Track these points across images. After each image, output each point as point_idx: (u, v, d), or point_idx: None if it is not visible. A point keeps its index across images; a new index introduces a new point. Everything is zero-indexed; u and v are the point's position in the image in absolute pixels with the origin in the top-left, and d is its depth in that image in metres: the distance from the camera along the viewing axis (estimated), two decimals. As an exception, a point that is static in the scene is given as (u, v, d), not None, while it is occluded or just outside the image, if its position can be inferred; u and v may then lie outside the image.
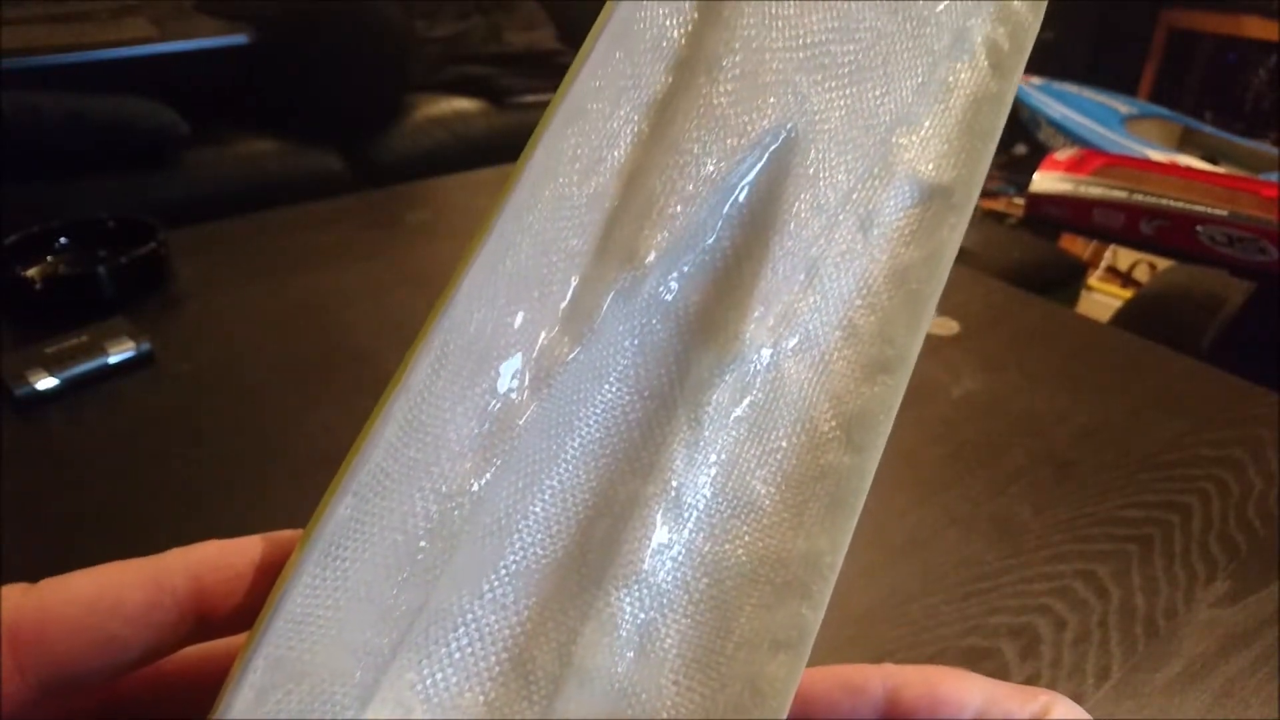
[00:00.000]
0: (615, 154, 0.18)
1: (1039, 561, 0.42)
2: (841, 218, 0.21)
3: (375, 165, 1.59)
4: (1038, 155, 1.19)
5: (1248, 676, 0.36)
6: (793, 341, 0.20)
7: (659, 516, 0.18)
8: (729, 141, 0.19)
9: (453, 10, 1.90)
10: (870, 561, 0.42)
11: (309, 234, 0.80)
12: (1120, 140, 1.59)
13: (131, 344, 0.57)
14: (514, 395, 0.17)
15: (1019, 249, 1.44)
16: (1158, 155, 1.50)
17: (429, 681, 0.16)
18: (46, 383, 0.54)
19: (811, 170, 0.20)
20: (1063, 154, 1.02)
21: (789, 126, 0.19)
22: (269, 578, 0.16)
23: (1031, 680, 0.36)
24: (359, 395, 0.55)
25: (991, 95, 0.23)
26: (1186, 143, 1.76)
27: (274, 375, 0.58)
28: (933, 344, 0.60)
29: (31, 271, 0.67)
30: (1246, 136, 1.91)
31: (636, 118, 0.18)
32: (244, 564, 0.17)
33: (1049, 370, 0.58)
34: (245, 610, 0.17)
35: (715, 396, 0.19)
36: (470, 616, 0.17)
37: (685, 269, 0.19)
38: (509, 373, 0.17)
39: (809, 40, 0.20)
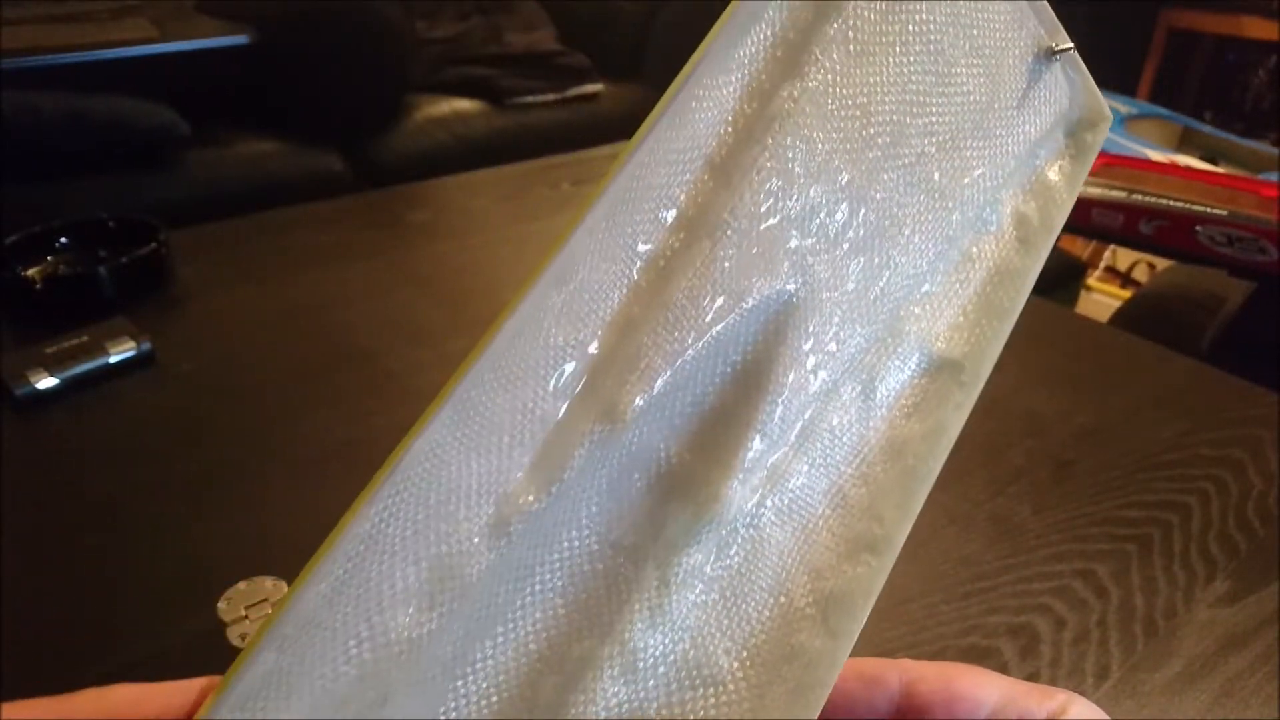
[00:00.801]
0: (607, 305, 0.18)
1: (1038, 561, 0.42)
2: (842, 382, 0.20)
3: (375, 165, 1.59)
4: (1037, 155, 1.19)
5: (1247, 676, 0.36)
6: (777, 505, 0.19)
7: (612, 681, 0.17)
8: (724, 302, 0.18)
9: (453, 11, 1.90)
10: (870, 561, 0.42)
11: (309, 234, 0.80)
12: (1120, 140, 1.59)
13: (132, 344, 0.58)
14: (469, 543, 0.16)
15: (1019, 249, 1.44)
16: (1157, 155, 1.50)
17: None
18: (47, 383, 0.54)
19: (811, 334, 0.19)
20: (1062, 154, 1.02)
21: (790, 291, 0.19)
22: None
23: (1030, 679, 0.36)
24: (359, 395, 0.55)
25: (1014, 271, 0.22)
26: (1186, 143, 1.76)
27: (274, 375, 0.58)
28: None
29: (32, 271, 0.67)
30: (1246, 136, 1.91)
31: (634, 271, 0.18)
32: (158, 711, 0.15)
33: (1049, 370, 0.58)
34: None
35: (688, 557, 0.18)
36: None
37: (668, 423, 0.18)
38: (466, 520, 0.16)
39: (816, 209, 0.19)
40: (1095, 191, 0.95)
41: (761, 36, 0.19)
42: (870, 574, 0.18)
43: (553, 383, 0.17)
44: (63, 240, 0.71)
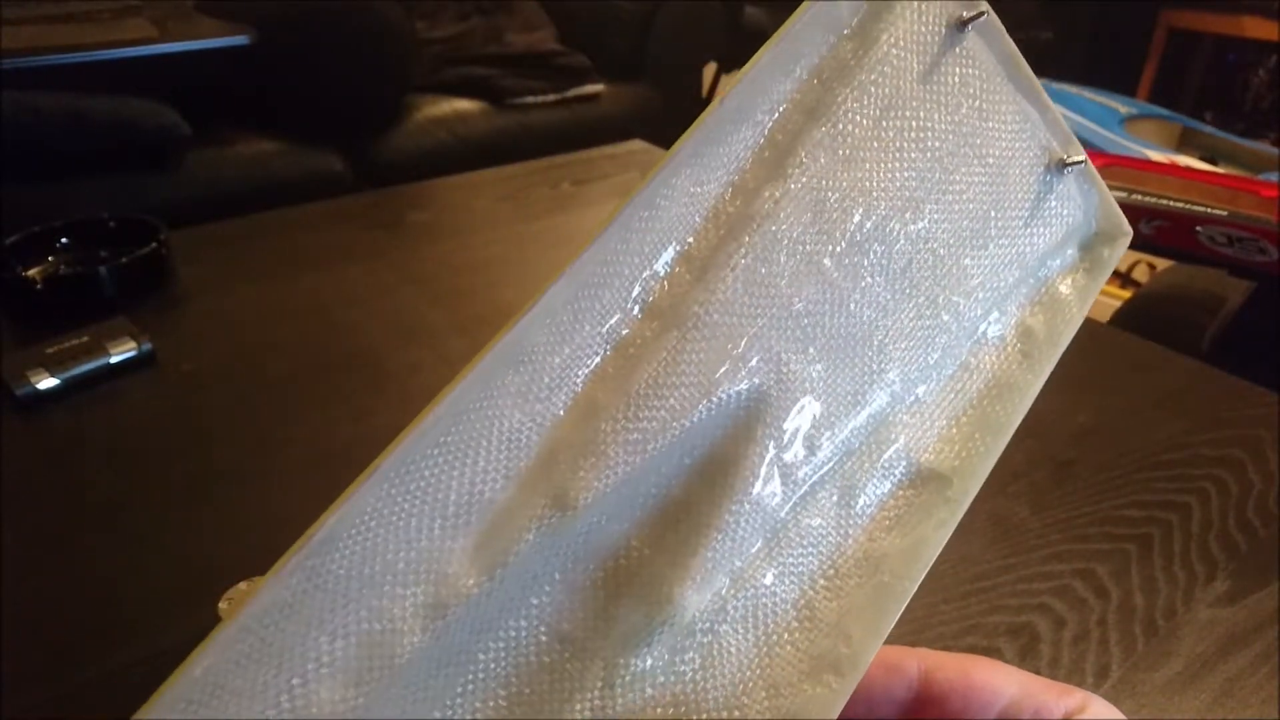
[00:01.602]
0: (568, 388, 0.17)
1: (1038, 561, 0.42)
2: (820, 486, 0.19)
3: (375, 165, 1.59)
4: (1038, 155, 1.19)
5: (1247, 676, 0.36)
6: (739, 611, 0.18)
7: None
8: (691, 395, 0.18)
9: (453, 11, 1.90)
10: (870, 561, 0.42)
11: (309, 234, 0.80)
12: (1119, 140, 1.59)
13: (132, 344, 0.58)
14: (402, 622, 0.15)
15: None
16: (1157, 155, 1.50)
17: None
18: (47, 383, 0.54)
19: (785, 435, 0.19)
20: (1062, 154, 1.02)
21: (762, 388, 0.18)
22: None
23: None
24: (359, 395, 0.55)
25: (1014, 385, 0.21)
26: (1186, 143, 1.76)
27: (274, 375, 0.58)
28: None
29: (32, 271, 0.67)
30: (1246, 136, 1.91)
31: (599, 356, 0.17)
32: None
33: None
34: None
35: (638, 659, 0.17)
36: None
37: (627, 515, 0.18)
38: (399, 598, 0.15)
39: (797, 309, 0.19)
40: (1095, 191, 0.94)
41: (749, 137, 0.19)
42: (830, 696, 0.17)
43: (504, 463, 0.16)
44: (63, 240, 0.71)
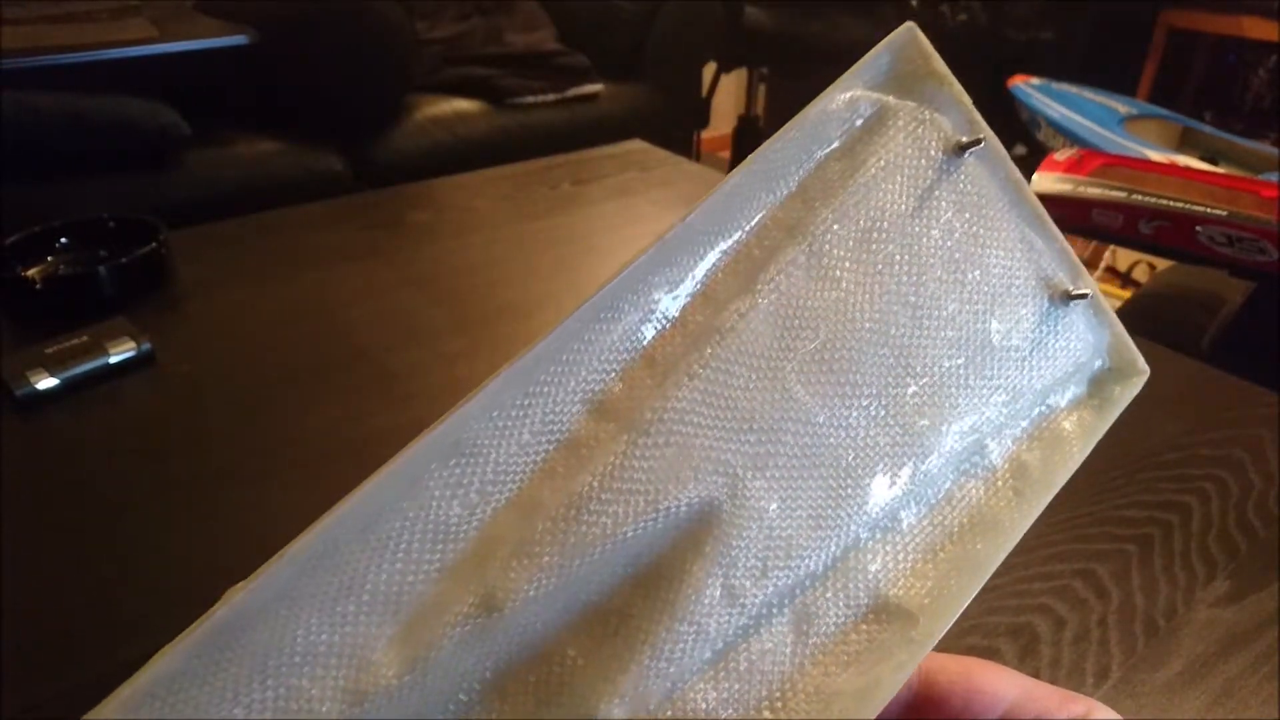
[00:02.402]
0: (509, 483, 0.17)
1: (1038, 561, 0.42)
2: (775, 610, 0.18)
3: (375, 165, 1.59)
4: (1037, 155, 1.19)
5: (1247, 676, 0.36)
6: None
7: None
8: (634, 502, 0.17)
9: (453, 11, 1.90)
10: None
11: (309, 234, 0.80)
12: (1119, 140, 1.59)
13: (132, 344, 0.57)
14: (320, 707, 0.15)
15: (1019, 249, 1.43)
16: (1157, 155, 1.50)
17: None
18: (47, 383, 0.54)
19: (734, 554, 0.18)
20: (1062, 154, 1.02)
21: (715, 502, 0.18)
22: None
23: (1031, 680, 0.36)
24: (359, 395, 0.55)
25: (999, 523, 0.20)
26: (1186, 143, 1.76)
27: (274, 375, 0.58)
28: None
29: (32, 271, 0.67)
30: (1246, 136, 1.91)
31: (544, 454, 0.17)
32: None
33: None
34: None
35: None
36: None
37: (561, 620, 0.17)
38: (318, 682, 0.15)
39: (758, 426, 0.18)
40: (1095, 191, 0.95)
41: (723, 246, 0.19)
42: None
43: (437, 554, 0.16)
44: (63, 240, 0.71)
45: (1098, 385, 0.23)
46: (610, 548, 0.17)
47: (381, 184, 0.94)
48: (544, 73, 1.80)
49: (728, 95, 2.56)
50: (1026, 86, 1.79)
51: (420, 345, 0.61)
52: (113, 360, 0.57)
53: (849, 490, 0.19)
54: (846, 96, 0.20)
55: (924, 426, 0.20)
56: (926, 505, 0.20)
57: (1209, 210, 0.88)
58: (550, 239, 0.78)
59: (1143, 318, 1.10)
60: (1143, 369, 0.23)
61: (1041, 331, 0.22)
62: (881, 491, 0.19)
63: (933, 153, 0.20)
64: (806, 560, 0.19)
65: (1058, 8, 2.55)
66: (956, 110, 0.21)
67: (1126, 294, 1.83)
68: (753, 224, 0.19)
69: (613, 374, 0.18)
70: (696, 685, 0.17)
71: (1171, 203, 0.90)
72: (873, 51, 0.20)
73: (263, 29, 1.45)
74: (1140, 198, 0.91)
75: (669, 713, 0.17)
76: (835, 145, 0.20)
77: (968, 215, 0.21)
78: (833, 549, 0.19)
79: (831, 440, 0.19)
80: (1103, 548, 0.43)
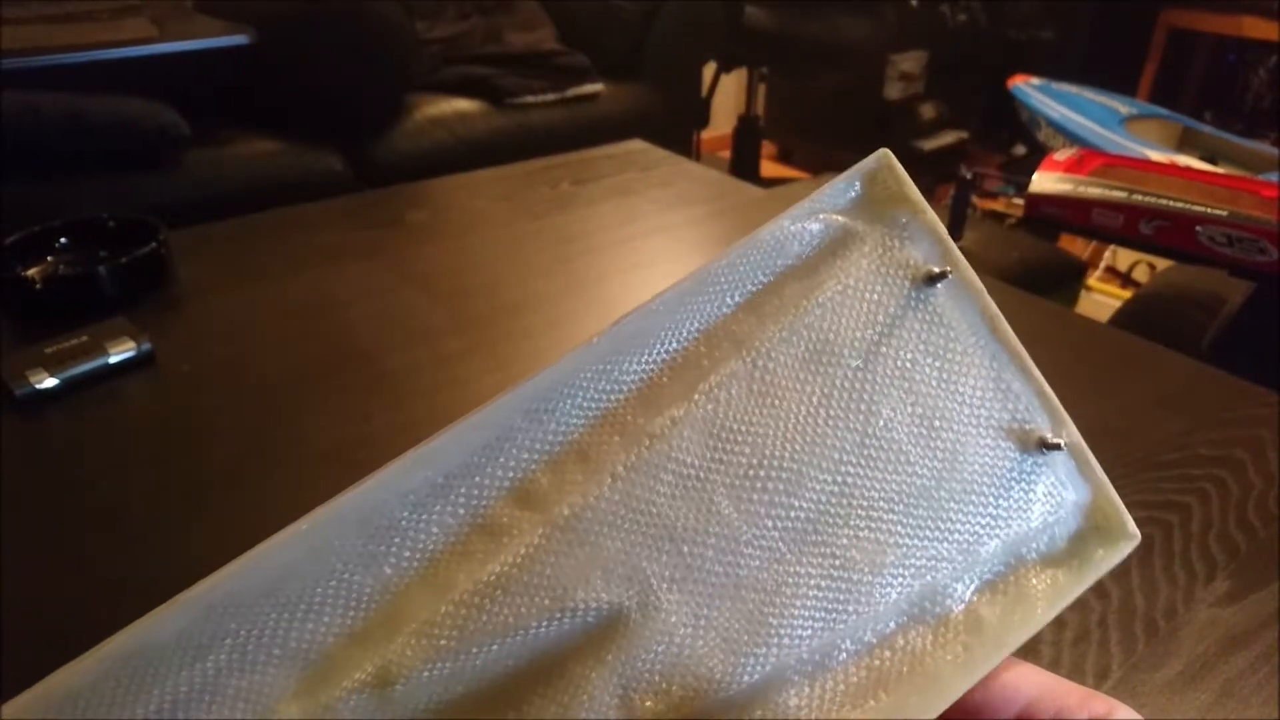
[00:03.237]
0: (418, 557, 0.17)
1: (1039, 561, 0.42)
2: None
3: (375, 165, 1.59)
4: (1037, 156, 1.19)
5: (1247, 676, 0.36)
6: None
7: None
8: (540, 599, 0.17)
9: (453, 11, 1.90)
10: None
11: (309, 234, 0.80)
12: (1120, 140, 1.59)
13: (132, 344, 0.58)
14: None
15: (1019, 249, 1.44)
16: (1157, 155, 1.50)
17: None
18: (47, 383, 0.54)
19: (635, 666, 0.17)
20: (1062, 154, 1.02)
21: (619, 609, 0.17)
22: None
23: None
24: (359, 395, 0.55)
25: (942, 680, 0.19)
26: (1186, 143, 1.76)
27: (274, 375, 0.58)
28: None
29: (32, 271, 0.67)
30: (1246, 136, 1.91)
31: (464, 531, 0.17)
32: None
33: (1049, 370, 0.57)
34: None
35: None
36: None
37: (450, 702, 0.17)
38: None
39: (678, 537, 0.18)
40: (1095, 192, 0.95)
41: (667, 351, 0.18)
42: None
43: (346, 621, 0.16)
44: (63, 240, 0.71)
45: (1078, 543, 0.21)
46: (512, 641, 0.17)
47: (381, 184, 0.94)
48: (544, 73, 1.80)
49: (728, 95, 2.56)
50: (1026, 86, 1.79)
51: (420, 345, 0.61)
52: (113, 360, 0.57)
53: (771, 618, 0.18)
54: (814, 215, 0.19)
55: (862, 563, 0.19)
56: (863, 646, 0.19)
57: (1209, 210, 0.88)
58: (550, 239, 0.78)
59: (1143, 318, 1.10)
60: (1132, 533, 0.22)
61: (1010, 480, 0.20)
62: (808, 624, 0.18)
63: (898, 281, 0.20)
64: (716, 684, 0.18)
65: (1058, 8, 2.55)
66: (928, 240, 0.20)
67: (1126, 294, 1.83)
68: (700, 330, 0.19)
69: (542, 463, 0.17)
70: None
71: (1171, 203, 0.90)
72: (845, 174, 0.20)
73: (263, 29, 1.45)
74: (1140, 198, 0.92)
75: None
76: (795, 263, 0.19)
77: (933, 349, 0.20)
78: (748, 677, 0.18)
79: (755, 564, 0.18)
80: (1103, 548, 0.43)
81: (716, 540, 0.18)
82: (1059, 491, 0.21)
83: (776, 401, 0.19)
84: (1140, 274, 2.00)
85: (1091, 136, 1.61)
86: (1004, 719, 0.18)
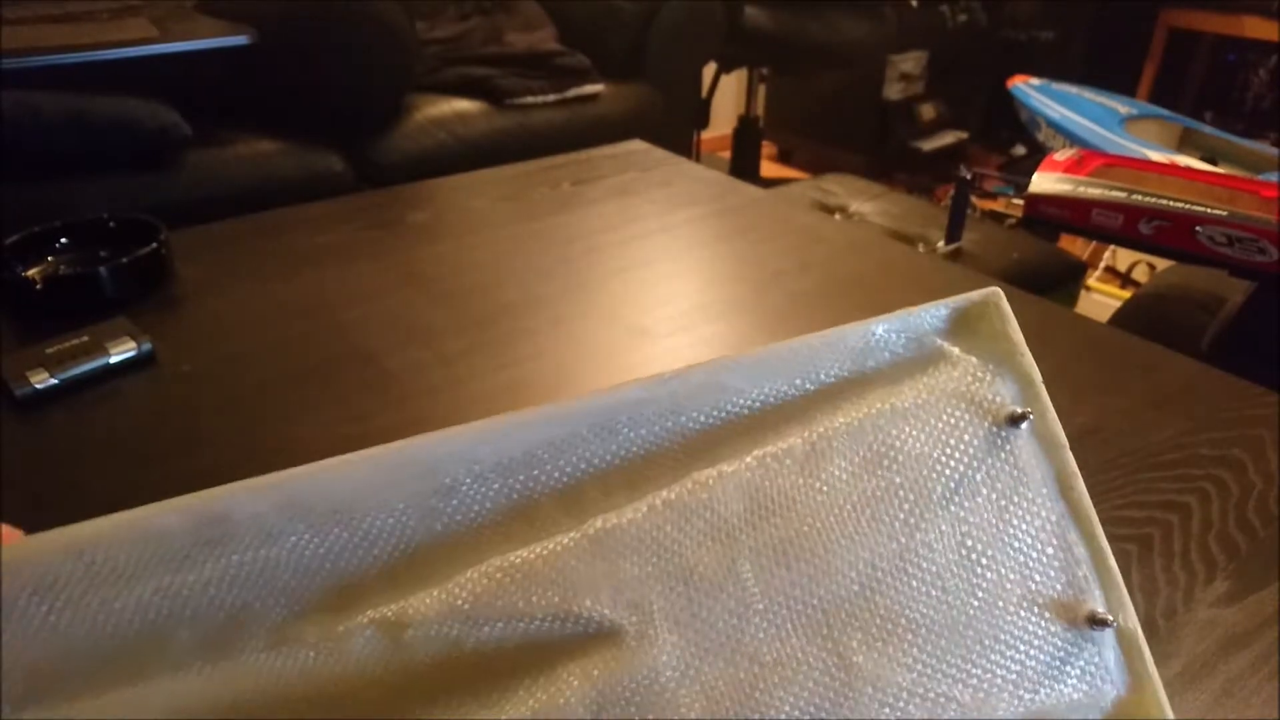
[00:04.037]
0: (465, 520, 0.18)
1: (1039, 561, 0.42)
2: None
3: (375, 165, 1.59)
4: (1037, 156, 1.19)
5: (1248, 676, 0.36)
6: None
7: None
8: (548, 596, 0.17)
9: (453, 11, 1.90)
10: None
11: (309, 234, 0.80)
12: (1120, 141, 1.59)
13: (132, 344, 0.58)
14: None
15: (1018, 249, 1.44)
16: (1157, 155, 1.50)
17: None
18: (47, 383, 0.54)
19: (615, 690, 0.17)
20: (1062, 154, 1.02)
21: (615, 630, 0.17)
22: None
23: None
24: (359, 395, 0.55)
25: None
26: (1186, 143, 1.76)
27: (274, 375, 0.58)
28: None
29: (32, 271, 0.67)
30: (1246, 136, 1.91)
31: (511, 513, 0.18)
32: None
33: (1049, 370, 0.57)
34: None
35: None
36: None
37: (448, 663, 0.17)
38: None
39: (692, 582, 0.18)
40: (1095, 192, 0.95)
41: (730, 409, 0.18)
42: None
43: (385, 556, 0.18)
44: (63, 240, 0.71)
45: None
46: (515, 626, 0.17)
47: (381, 184, 0.94)
48: (544, 73, 1.80)
49: (728, 95, 2.56)
50: (1026, 86, 1.79)
51: (420, 345, 0.61)
52: (113, 360, 0.57)
53: (758, 693, 0.18)
54: (910, 328, 0.20)
55: (867, 671, 0.18)
56: None
57: (1209, 210, 0.88)
58: (550, 239, 0.78)
59: (1143, 318, 1.10)
60: None
61: (1047, 645, 0.20)
62: (793, 712, 0.18)
63: (981, 412, 0.20)
64: None
65: (1058, 8, 2.55)
66: (1020, 382, 0.20)
67: (1126, 294, 1.84)
68: (769, 401, 0.19)
69: (595, 476, 0.18)
70: None
71: (1171, 203, 0.90)
72: (950, 299, 0.20)
73: (263, 29, 1.45)
74: (1140, 198, 0.92)
75: None
76: (880, 366, 0.19)
77: (999, 488, 0.19)
78: None
79: (760, 635, 0.18)
80: (1103, 548, 0.43)
81: (728, 599, 0.18)
82: (1098, 675, 0.20)
83: (825, 488, 0.19)
84: (1140, 274, 2.00)
85: (1091, 137, 1.61)
86: None
